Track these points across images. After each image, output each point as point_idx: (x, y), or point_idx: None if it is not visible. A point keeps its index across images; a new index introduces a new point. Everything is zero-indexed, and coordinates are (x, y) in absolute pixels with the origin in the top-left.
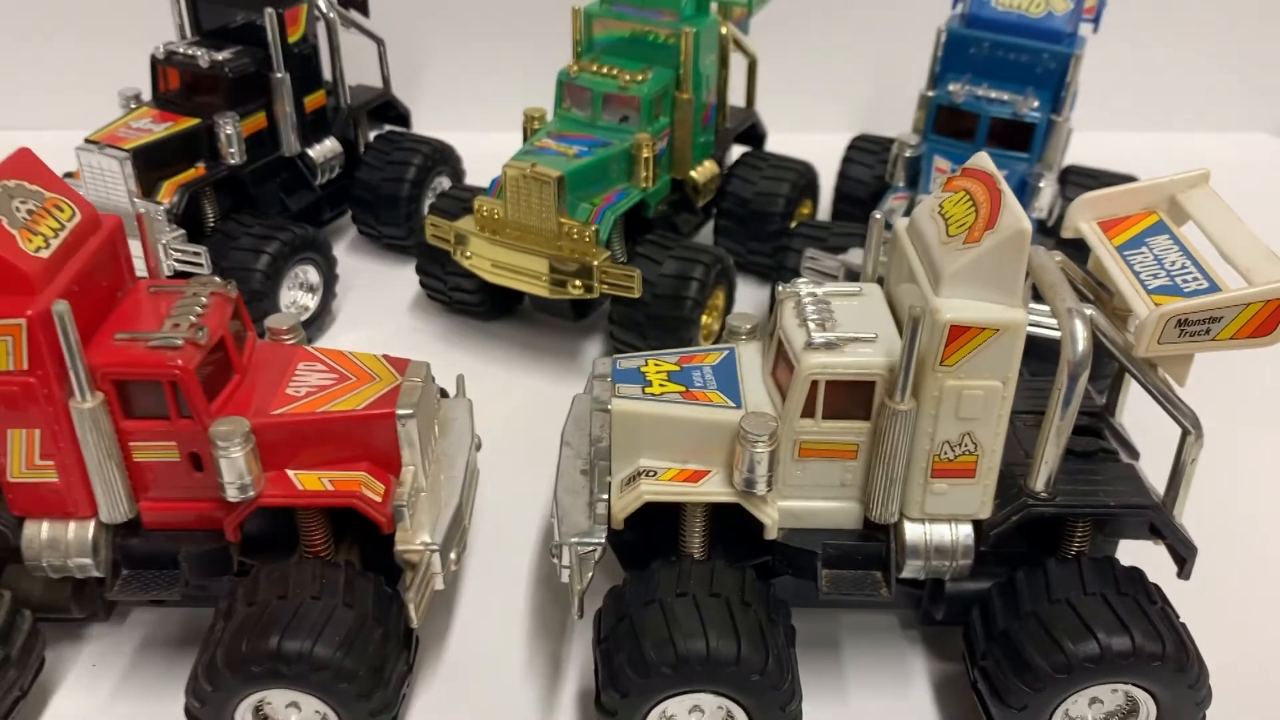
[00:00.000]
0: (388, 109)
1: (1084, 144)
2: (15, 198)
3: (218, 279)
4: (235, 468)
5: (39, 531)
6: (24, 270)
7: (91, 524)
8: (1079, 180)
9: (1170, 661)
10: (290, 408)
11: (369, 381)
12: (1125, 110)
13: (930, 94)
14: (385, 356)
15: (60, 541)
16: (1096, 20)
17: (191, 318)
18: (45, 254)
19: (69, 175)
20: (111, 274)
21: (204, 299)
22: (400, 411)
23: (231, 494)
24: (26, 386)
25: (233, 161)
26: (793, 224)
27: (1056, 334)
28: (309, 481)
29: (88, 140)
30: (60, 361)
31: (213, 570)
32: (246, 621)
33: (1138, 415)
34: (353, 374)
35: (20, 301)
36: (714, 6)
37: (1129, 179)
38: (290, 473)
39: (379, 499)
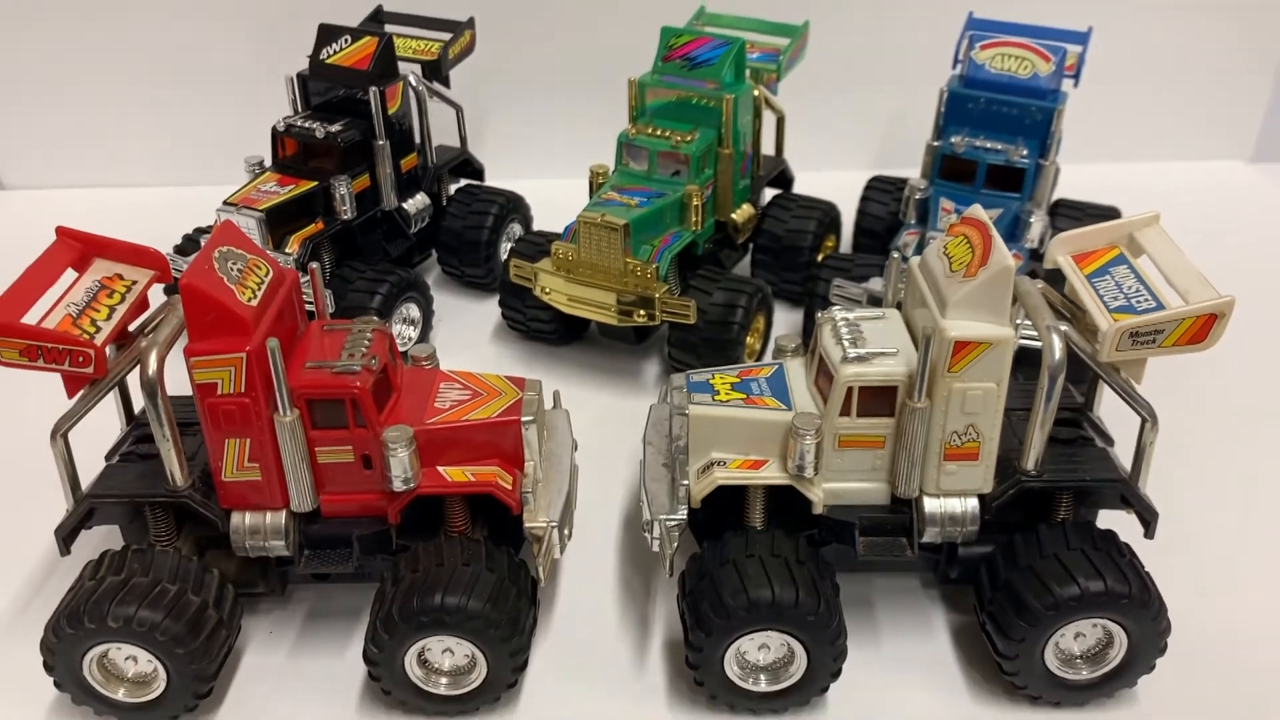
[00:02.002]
0: (465, 165)
1: (1076, 176)
2: (229, 260)
3: (376, 319)
4: (402, 464)
5: (243, 520)
6: (242, 316)
7: (283, 514)
8: (1067, 213)
9: (1135, 600)
10: (439, 418)
11: (496, 396)
12: (1112, 144)
13: (935, 144)
14: (507, 376)
15: (260, 528)
16: (1077, 76)
17: (362, 349)
18: (254, 303)
19: (207, 230)
20: (292, 316)
21: (368, 335)
22: (524, 418)
23: (397, 485)
24: (243, 405)
25: (345, 217)
26: (820, 257)
27: (1040, 345)
28: (456, 475)
29: (226, 203)
30: (268, 385)
31: (376, 549)
32: (414, 584)
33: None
34: (483, 390)
35: (240, 340)
36: (748, 74)
37: (1113, 211)
38: (440, 468)
39: (509, 488)
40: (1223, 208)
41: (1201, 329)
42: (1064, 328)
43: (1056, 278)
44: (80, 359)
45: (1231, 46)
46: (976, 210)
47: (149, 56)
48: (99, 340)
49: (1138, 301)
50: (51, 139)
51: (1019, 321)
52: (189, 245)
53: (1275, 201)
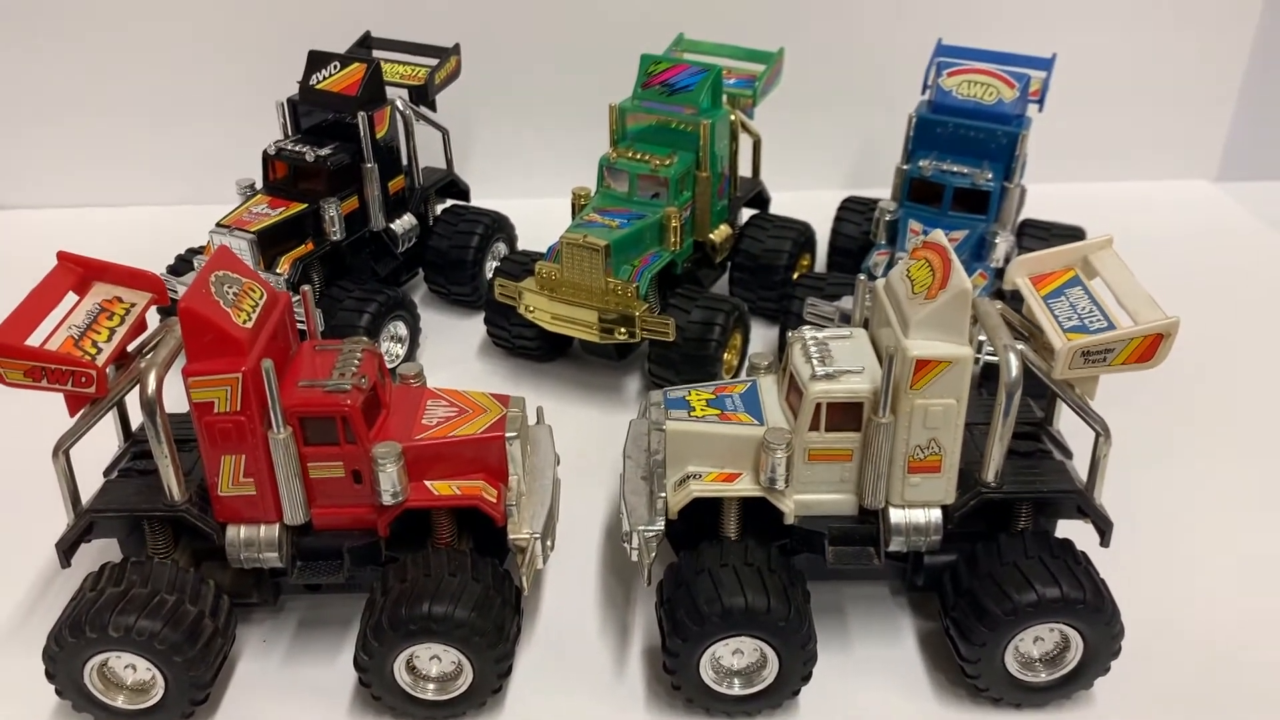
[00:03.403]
0: (451, 186)
1: (1044, 196)
2: (224, 284)
3: (366, 339)
4: (391, 479)
5: (238, 534)
6: (237, 338)
7: (277, 527)
8: (1034, 233)
9: (1090, 605)
10: (426, 434)
11: (481, 413)
12: (1079, 165)
13: (904, 168)
14: (492, 393)
15: (254, 540)
16: (1041, 101)
17: (353, 368)
18: (249, 325)
19: (200, 251)
20: (285, 337)
21: (358, 354)
22: (508, 434)
23: (386, 499)
24: (239, 423)
25: (335, 238)
26: (795, 275)
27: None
28: (442, 489)
29: (218, 224)
30: (262, 404)
31: (366, 560)
32: (402, 593)
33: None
34: (468, 407)
35: (236, 361)
36: (725, 99)
37: (1078, 231)
38: (427, 483)
39: (494, 501)
40: (1188, 226)
41: (1149, 348)
42: (1021, 346)
43: (1019, 298)
44: (83, 379)
45: (1195, 67)
46: (938, 235)
47: (145, 80)
48: (100, 361)
49: (1090, 322)
50: (48, 160)
51: (981, 339)
52: (182, 266)
53: (1239, 220)
